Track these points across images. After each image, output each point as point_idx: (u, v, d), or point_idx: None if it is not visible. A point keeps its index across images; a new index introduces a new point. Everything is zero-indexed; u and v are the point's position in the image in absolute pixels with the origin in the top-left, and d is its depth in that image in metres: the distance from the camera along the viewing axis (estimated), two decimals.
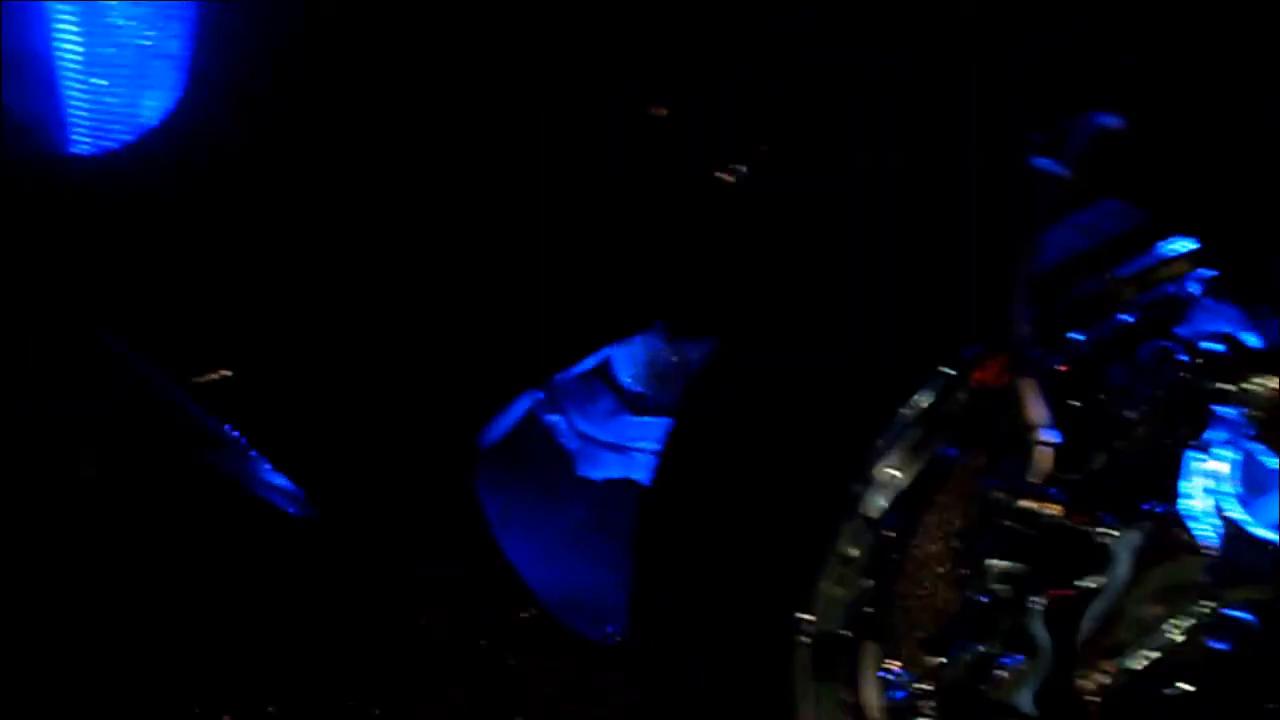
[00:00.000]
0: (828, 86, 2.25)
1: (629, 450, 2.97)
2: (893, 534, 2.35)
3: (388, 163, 2.38)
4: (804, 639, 2.38)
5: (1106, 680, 2.23)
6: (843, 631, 2.37)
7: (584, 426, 2.95)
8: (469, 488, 2.54)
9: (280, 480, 2.66)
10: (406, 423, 2.51)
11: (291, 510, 2.70)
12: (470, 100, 2.32)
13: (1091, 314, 2.31)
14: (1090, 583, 2.23)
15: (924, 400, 2.32)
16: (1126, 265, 2.30)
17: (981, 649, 2.29)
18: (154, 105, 2.39)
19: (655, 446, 2.97)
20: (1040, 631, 2.24)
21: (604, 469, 2.96)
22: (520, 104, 2.34)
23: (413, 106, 2.32)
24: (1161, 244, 2.28)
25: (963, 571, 2.31)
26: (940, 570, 2.35)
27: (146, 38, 2.38)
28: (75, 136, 2.42)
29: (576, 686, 2.77)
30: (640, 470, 2.95)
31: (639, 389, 2.95)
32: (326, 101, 2.34)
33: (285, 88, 2.34)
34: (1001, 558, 2.25)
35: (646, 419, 2.96)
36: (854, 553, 2.36)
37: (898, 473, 2.33)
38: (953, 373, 2.31)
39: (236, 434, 2.62)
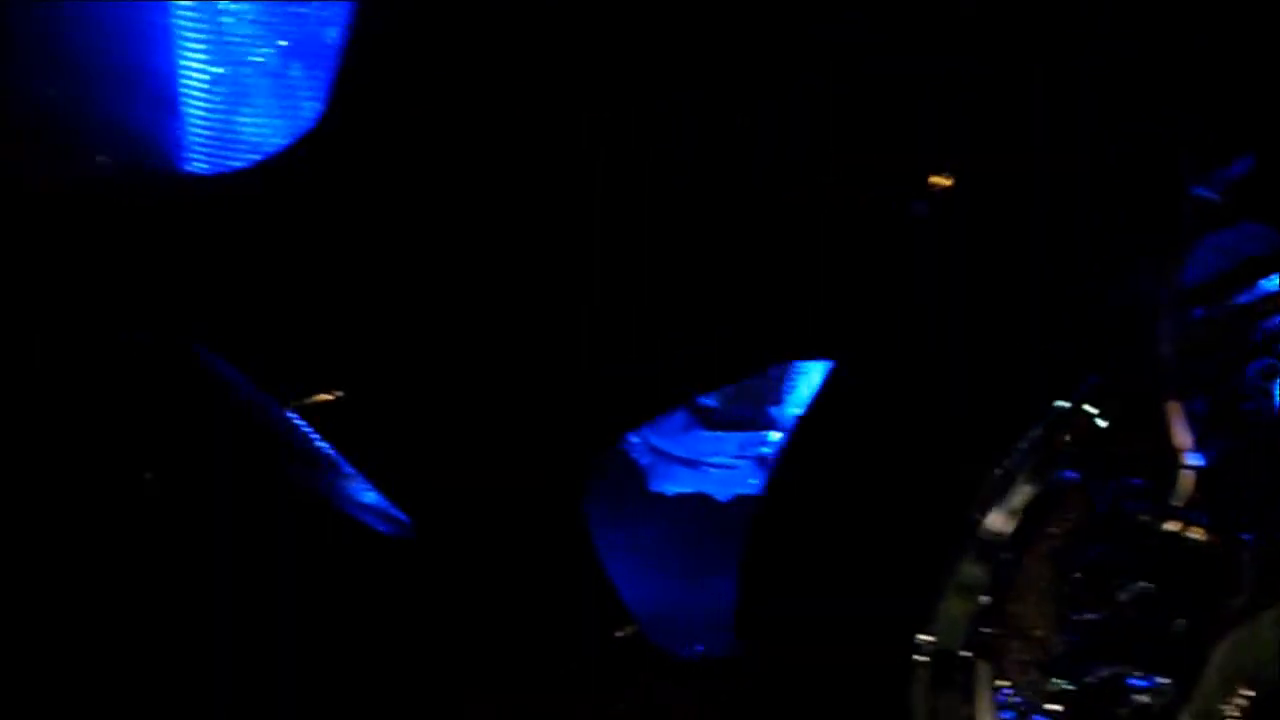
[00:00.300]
0: (976, 116, 2.26)
1: (702, 465, 2.98)
2: (1013, 556, 2.37)
3: (510, 194, 2.37)
4: (923, 658, 2.39)
5: (1244, 703, 2.26)
6: (961, 652, 2.39)
7: (657, 441, 2.95)
8: (577, 509, 2.53)
9: (374, 499, 2.64)
10: (518, 446, 2.49)
11: (383, 529, 2.68)
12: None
13: (1214, 337, 2.34)
14: (1228, 604, 2.26)
15: (1046, 425, 2.34)
16: (1249, 291, 2.33)
17: (1112, 671, 2.32)
18: (282, 127, 2.36)
19: (729, 461, 3.00)
20: (1178, 653, 2.26)
21: (677, 484, 2.96)
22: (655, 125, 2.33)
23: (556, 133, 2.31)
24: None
25: (1087, 594, 2.33)
26: (1060, 592, 2.38)
27: (277, 60, 2.36)
28: (191, 155, 2.39)
29: (664, 706, 2.76)
30: (713, 485, 2.96)
31: (713, 403, 2.95)
32: (462, 131, 2.32)
33: (422, 113, 2.32)
34: (1134, 580, 2.27)
35: (720, 433, 2.97)
36: (973, 574, 2.37)
37: (1018, 495, 2.35)
38: (1068, 405, 2.33)
39: (333, 451, 2.60)
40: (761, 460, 2.94)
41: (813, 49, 2.26)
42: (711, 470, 2.96)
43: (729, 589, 2.77)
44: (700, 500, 2.94)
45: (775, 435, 2.89)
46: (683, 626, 2.79)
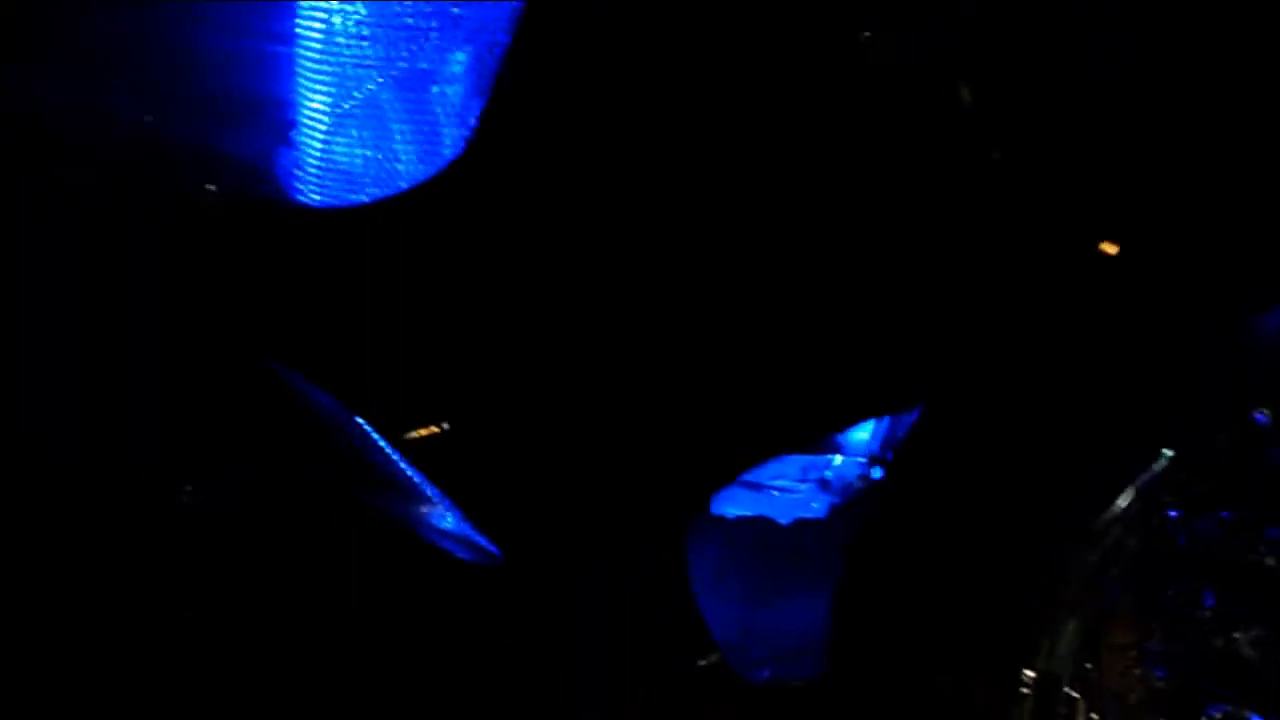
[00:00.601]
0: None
1: (764, 488, 2.98)
2: (1119, 594, 2.40)
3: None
4: (1025, 690, 2.42)
5: None
6: (1065, 688, 2.42)
7: None
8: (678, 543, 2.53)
9: (455, 526, 2.63)
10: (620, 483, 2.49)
11: (465, 555, 2.67)
12: None
13: None
14: None
15: (1151, 469, 2.37)
16: None
17: (1229, 712, 2.35)
18: (413, 166, 2.34)
19: (791, 485, 3.00)
20: None
21: (738, 507, 2.96)
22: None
23: None
24: None
25: (1203, 634, 2.36)
26: (1165, 631, 2.41)
27: (382, 91, 2.33)
28: (305, 187, 2.36)
29: None
30: (775, 509, 2.96)
31: None
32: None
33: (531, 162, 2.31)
34: (1256, 621, 2.31)
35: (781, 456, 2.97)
36: (1078, 611, 2.40)
37: (1122, 536, 2.38)
38: (1171, 453, 2.36)
39: (420, 480, 2.58)
40: (823, 484, 2.95)
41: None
42: (774, 494, 2.97)
43: (795, 614, 2.78)
44: (762, 524, 2.95)
45: (838, 459, 2.90)
46: (750, 652, 2.79)
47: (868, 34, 2.24)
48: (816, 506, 2.93)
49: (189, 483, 2.65)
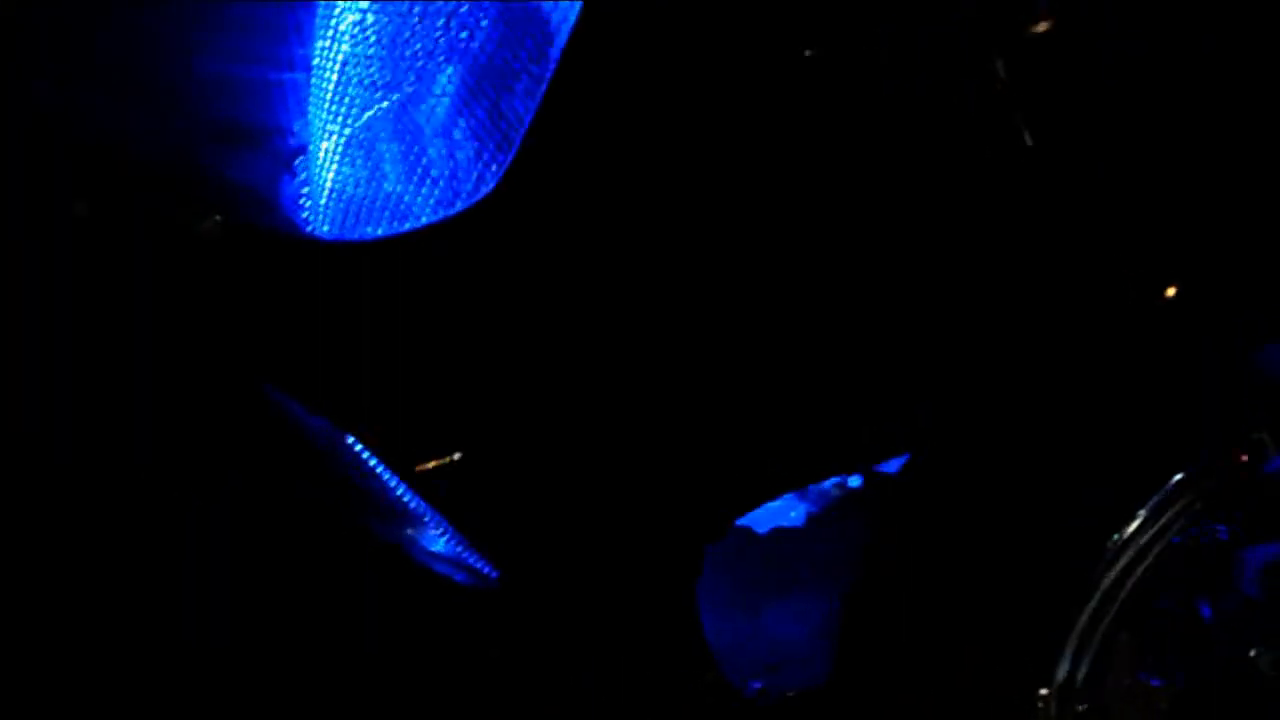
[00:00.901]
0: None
1: None
2: (1127, 610, 2.42)
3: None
4: (1040, 704, 2.44)
5: None
6: (1078, 706, 2.44)
7: None
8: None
9: (448, 549, 2.62)
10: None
11: (459, 578, 2.65)
12: None
13: None
14: None
15: (1162, 490, 2.39)
16: None
17: None
18: (400, 186, 2.30)
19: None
20: None
21: None
22: None
23: None
24: None
25: (1219, 656, 2.39)
26: (1179, 653, 2.44)
27: (402, 118, 2.30)
28: (312, 218, 2.32)
29: None
30: (751, 518, 2.96)
31: None
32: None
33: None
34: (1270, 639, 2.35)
35: None
36: (1090, 633, 2.42)
37: (1140, 556, 2.40)
38: (1185, 475, 2.39)
39: (415, 502, 2.56)
40: (801, 493, 2.95)
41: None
42: None
43: (779, 624, 2.79)
44: (740, 533, 2.95)
45: None
46: (738, 662, 2.80)
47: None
48: (794, 515, 2.93)
49: (188, 483, 2.63)
